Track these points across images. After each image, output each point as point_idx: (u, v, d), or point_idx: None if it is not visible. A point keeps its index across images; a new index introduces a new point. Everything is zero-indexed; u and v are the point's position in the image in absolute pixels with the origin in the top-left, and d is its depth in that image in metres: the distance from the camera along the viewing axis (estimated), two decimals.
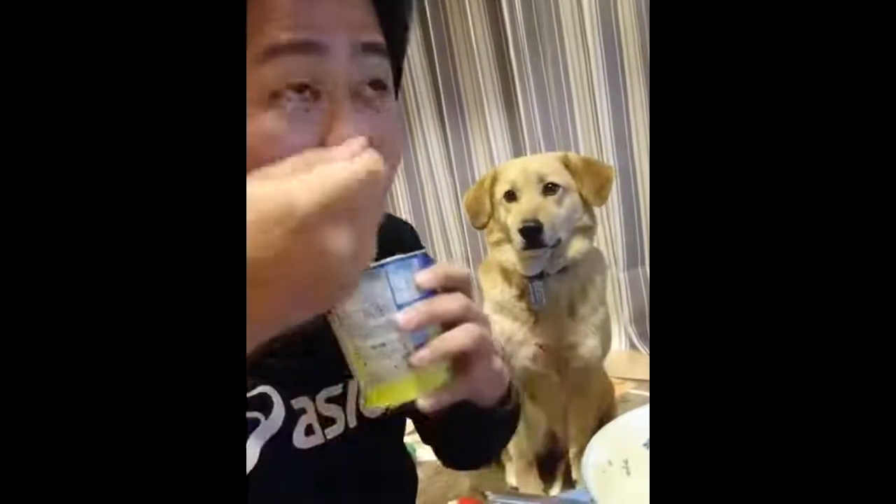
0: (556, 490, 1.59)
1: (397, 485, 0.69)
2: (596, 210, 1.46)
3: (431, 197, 2.83)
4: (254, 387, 0.55)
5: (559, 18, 2.23)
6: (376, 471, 0.64)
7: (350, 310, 0.46)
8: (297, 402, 0.57)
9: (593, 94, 2.21)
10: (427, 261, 0.49)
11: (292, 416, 0.57)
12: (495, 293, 1.47)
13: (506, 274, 1.45)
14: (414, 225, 0.79)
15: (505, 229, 1.41)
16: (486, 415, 0.57)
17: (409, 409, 0.53)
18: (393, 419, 0.63)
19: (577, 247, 1.41)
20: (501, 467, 1.66)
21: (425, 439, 0.72)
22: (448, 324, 0.48)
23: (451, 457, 0.73)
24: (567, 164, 1.41)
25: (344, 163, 0.40)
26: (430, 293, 0.48)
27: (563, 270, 1.41)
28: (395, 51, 0.51)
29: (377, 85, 0.49)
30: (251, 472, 0.53)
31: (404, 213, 2.84)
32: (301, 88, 0.45)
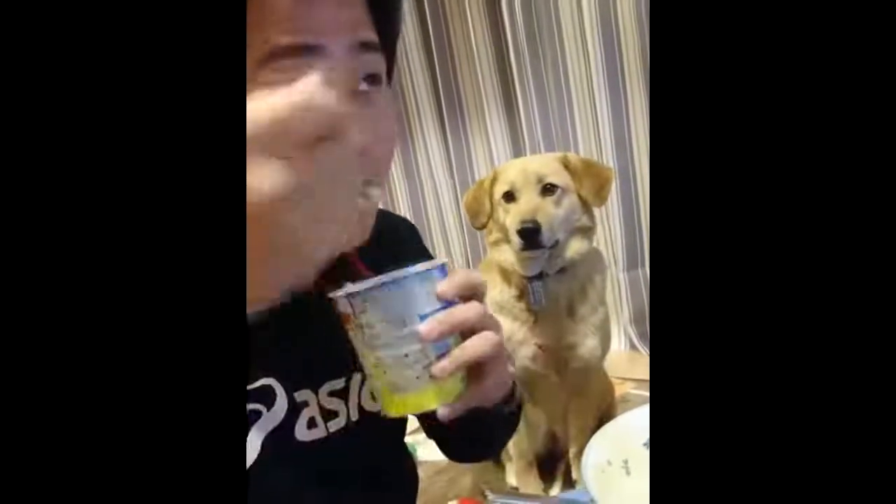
0: (555, 490, 1.59)
1: (398, 481, 0.69)
2: (596, 211, 1.46)
3: (431, 197, 2.83)
4: (256, 379, 0.55)
5: (559, 20, 2.23)
6: (378, 465, 0.64)
7: (372, 320, 0.46)
8: (300, 395, 0.57)
9: (593, 96, 2.21)
10: (445, 270, 0.49)
11: (295, 409, 0.57)
12: (494, 293, 1.47)
13: (505, 274, 1.45)
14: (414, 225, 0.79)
15: (503, 230, 1.41)
16: (491, 413, 0.58)
17: None
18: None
19: (575, 247, 1.41)
20: (501, 467, 1.66)
21: (429, 433, 0.72)
22: (466, 331, 0.49)
23: (454, 451, 0.74)
24: (566, 165, 1.41)
25: (282, 92, 0.38)
26: (448, 302, 0.48)
27: (562, 271, 1.41)
28: (389, 46, 0.52)
29: (373, 80, 0.50)
30: (252, 464, 0.53)
31: (404, 213, 2.84)
32: None
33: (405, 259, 0.71)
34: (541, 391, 1.51)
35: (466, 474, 1.64)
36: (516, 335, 1.43)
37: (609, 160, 2.19)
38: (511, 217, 1.37)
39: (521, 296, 1.43)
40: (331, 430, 0.59)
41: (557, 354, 1.44)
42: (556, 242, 1.37)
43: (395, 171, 2.85)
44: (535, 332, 1.42)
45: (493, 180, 1.45)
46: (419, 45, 2.62)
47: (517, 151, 2.50)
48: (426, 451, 1.48)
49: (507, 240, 1.40)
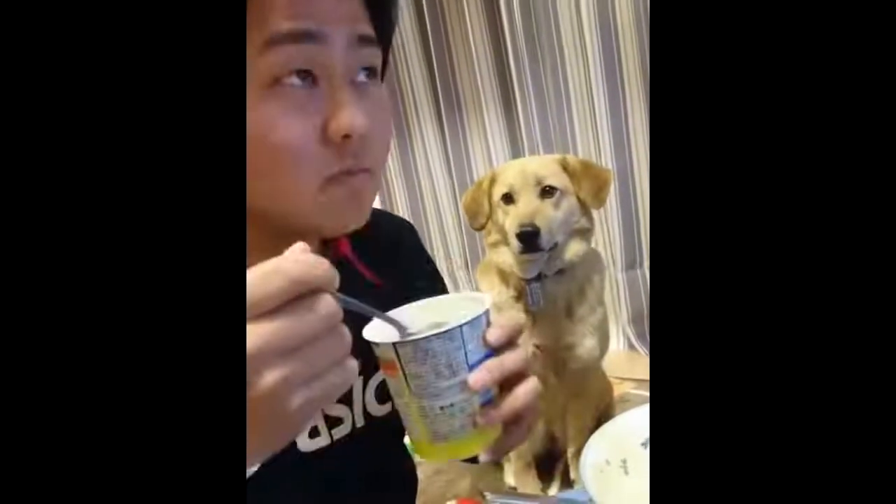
0: (554, 490, 1.59)
1: (400, 484, 0.69)
2: (594, 211, 1.46)
3: (430, 198, 2.83)
4: None
5: (557, 21, 2.23)
6: (381, 471, 0.64)
7: (420, 371, 0.45)
8: None
9: (591, 95, 2.21)
10: (489, 313, 0.49)
11: None
12: (493, 294, 1.47)
13: (503, 275, 1.45)
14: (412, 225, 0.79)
15: (502, 231, 1.41)
16: None
17: None
18: (399, 417, 0.63)
19: (574, 249, 1.41)
20: (500, 467, 1.66)
21: None
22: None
23: None
24: (565, 167, 1.41)
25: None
26: (492, 349, 0.48)
27: (561, 272, 1.41)
28: (384, 42, 0.54)
29: (370, 73, 0.51)
30: (251, 477, 0.53)
31: (403, 213, 2.84)
32: (302, 74, 0.47)
33: (405, 260, 0.71)
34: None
35: (465, 475, 1.64)
36: None
37: (607, 160, 2.20)
38: (510, 220, 1.37)
39: (520, 297, 1.43)
40: (335, 438, 0.58)
41: (556, 355, 1.44)
42: (555, 245, 1.37)
43: (394, 171, 2.85)
44: (533, 332, 1.42)
45: (492, 181, 1.45)
46: (417, 45, 2.61)
47: (515, 151, 2.50)
48: None
49: (505, 241, 1.40)
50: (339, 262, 0.61)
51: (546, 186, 1.37)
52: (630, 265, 2.31)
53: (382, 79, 0.55)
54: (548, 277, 1.40)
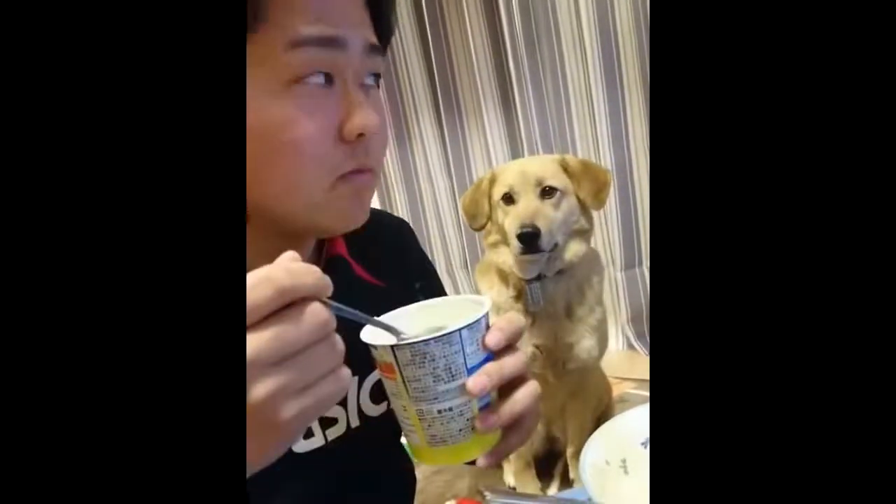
0: (553, 489, 1.59)
1: (398, 485, 0.68)
2: (593, 212, 1.46)
3: (429, 198, 2.83)
4: None
5: (556, 21, 2.24)
6: (377, 471, 0.63)
7: (418, 374, 0.45)
8: None
9: (590, 95, 2.21)
10: (489, 316, 0.49)
11: None
12: (492, 294, 1.47)
13: (503, 275, 1.45)
14: (411, 226, 0.79)
15: (502, 231, 1.40)
16: None
17: None
18: (394, 417, 0.63)
19: (574, 249, 1.41)
20: (499, 467, 1.66)
21: None
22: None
23: None
24: (565, 167, 1.41)
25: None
26: (491, 352, 0.48)
27: (560, 272, 1.41)
28: (385, 49, 0.57)
29: (376, 77, 0.54)
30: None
31: (402, 214, 2.83)
32: (322, 74, 0.49)
33: (403, 260, 0.71)
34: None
35: (464, 474, 1.64)
36: None
37: (606, 159, 2.20)
38: (510, 220, 1.36)
39: (519, 297, 1.43)
40: (329, 439, 0.58)
41: (555, 355, 1.44)
42: (556, 245, 1.36)
43: (393, 172, 2.84)
44: (532, 332, 1.42)
45: (492, 182, 1.44)
46: (417, 47, 2.62)
47: (515, 151, 2.51)
48: None
49: (505, 242, 1.40)
50: (334, 261, 0.61)
51: (546, 187, 1.37)
52: (629, 265, 2.32)
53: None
54: (547, 278, 1.40)
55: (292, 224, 0.53)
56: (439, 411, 0.46)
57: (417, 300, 0.53)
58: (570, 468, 1.56)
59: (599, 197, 1.40)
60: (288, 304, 0.36)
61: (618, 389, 1.91)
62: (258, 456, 0.37)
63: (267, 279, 0.35)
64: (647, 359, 2.20)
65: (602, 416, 1.56)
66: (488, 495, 0.60)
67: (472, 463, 0.51)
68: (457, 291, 2.81)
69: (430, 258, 0.78)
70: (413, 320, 0.50)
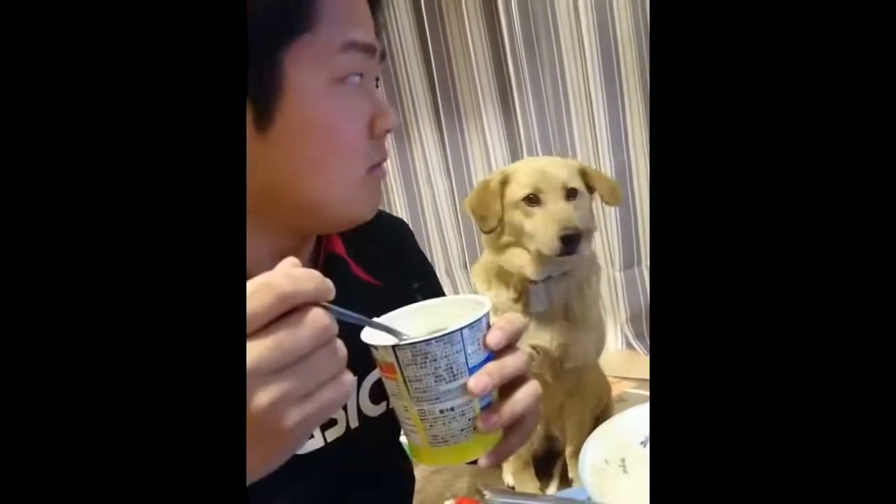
0: (552, 489, 1.59)
1: (397, 484, 0.68)
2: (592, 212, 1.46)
3: (428, 200, 2.82)
4: None
5: (555, 21, 2.23)
6: (377, 471, 0.63)
7: (419, 374, 0.45)
8: None
9: (590, 96, 2.21)
10: (489, 315, 0.49)
11: None
12: (490, 296, 1.46)
13: (502, 277, 1.44)
14: (410, 227, 0.79)
15: (517, 233, 1.38)
16: None
17: None
18: (394, 417, 0.63)
19: (583, 251, 1.41)
20: (498, 467, 1.66)
21: None
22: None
23: None
24: (582, 171, 1.42)
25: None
26: (492, 352, 0.48)
27: (565, 273, 1.41)
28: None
29: (376, 80, 0.59)
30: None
31: (402, 214, 2.83)
32: (357, 76, 0.55)
33: (402, 260, 0.71)
34: None
35: (463, 474, 1.63)
36: None
37: (605, 161, 2.20)
38: (540, 221, 1.34)
39: (519, 298, 1.43)
40: (329, 440, 0.58)
41: (553, 355, 1.44)
42: None
43: (393, 173, 2.84)
44: (530, 333, 1.42)
45: (503, 182, 1.41)
46: (417, 49, 2.61)
47: (514, 154, 2.50)
48: None
49: (519, 243, 1.38)
50: (332, 260, 0.61)
51: (571, 188, 1.36)
52: (628, 265, 2.31)
53: None
54: (552, 279, 1.39)
55: (328, 214, 0.56)
56: (441, 411, 0.46)
57: (415, 300, 0.53)
58: (569, 467, 1.56)
59: (615, 193, 1.43)
60: (289, 310, 0.36)
61: (617, 389, 1.91)
62: (261, 464, 0.37)
63: (267, 286, 0.35)
64: (646, 358, 2.20)
65: (601, 415, 1.56)
66: (487, 495, 0.60)
67: (473, 463, 0.51)
68: (456, 292, 2.80)
69: (429, 259, 0.78)
70: (413, 320, 0.50)
